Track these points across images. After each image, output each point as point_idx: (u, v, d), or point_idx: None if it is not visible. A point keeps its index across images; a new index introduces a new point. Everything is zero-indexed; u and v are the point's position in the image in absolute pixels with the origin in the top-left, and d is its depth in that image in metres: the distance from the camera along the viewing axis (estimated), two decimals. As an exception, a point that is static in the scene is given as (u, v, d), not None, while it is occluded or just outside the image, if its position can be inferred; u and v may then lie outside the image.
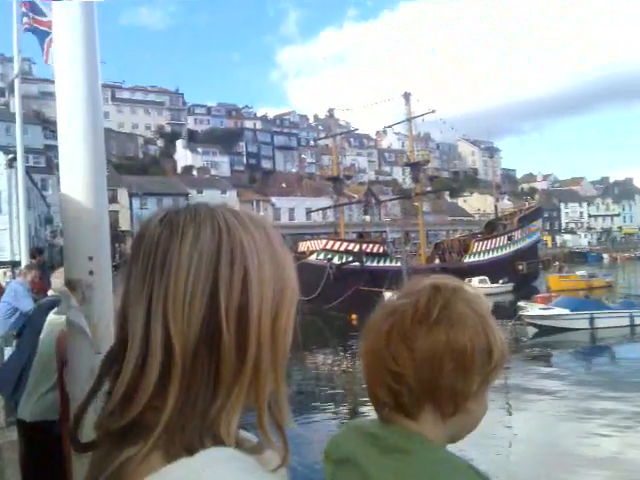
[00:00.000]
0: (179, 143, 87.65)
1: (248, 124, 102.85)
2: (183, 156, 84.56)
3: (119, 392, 0.70)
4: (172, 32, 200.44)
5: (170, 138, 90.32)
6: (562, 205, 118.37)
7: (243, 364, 0.72)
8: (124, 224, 59.18)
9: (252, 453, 0.73)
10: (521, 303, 31.34)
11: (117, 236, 55.25)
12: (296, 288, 0.82)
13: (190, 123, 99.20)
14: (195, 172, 77.47)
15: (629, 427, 13.34)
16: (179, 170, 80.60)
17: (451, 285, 0.99)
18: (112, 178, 60.85)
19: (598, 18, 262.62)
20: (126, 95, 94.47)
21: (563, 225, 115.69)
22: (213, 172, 79.98)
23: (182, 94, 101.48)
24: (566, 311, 25.95)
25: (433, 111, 51.73)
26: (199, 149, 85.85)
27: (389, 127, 65.64)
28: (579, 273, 45.98)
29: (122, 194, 60.40)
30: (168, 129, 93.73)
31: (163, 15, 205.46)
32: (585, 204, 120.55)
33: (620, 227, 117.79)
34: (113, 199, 59.41)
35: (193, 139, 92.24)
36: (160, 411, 0.69)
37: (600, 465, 11.52)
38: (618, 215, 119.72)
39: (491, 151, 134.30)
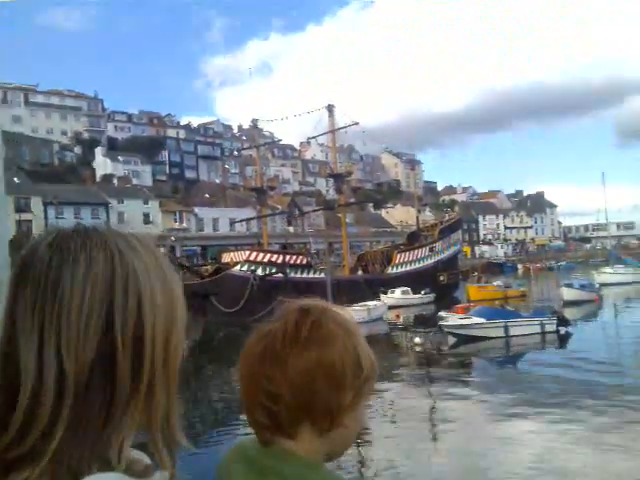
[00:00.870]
0: (98, 151, 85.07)
1: (171, 133, 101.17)
2: (102, 164, 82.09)
3: (16, 423, 0.69)
4: (93, 36, 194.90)
5: (88, 145, 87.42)
6: (480, 217, 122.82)
7: (137, 388, 0.73)
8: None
9: (142, 476, 0.72)
10: (442, 313, 32.33)
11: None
12: (184, 311, 0.82)
13: (110, 130, 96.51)
14: (115, 181, 75.38)
15: (543, 432, 14.06)
16: (98, 179, 78.22)
17: (319, 306, 1.04)
18: (24, 186, 58.35)
19: (510, 39, 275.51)
20: (41, 99, 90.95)
21: (481, 236, 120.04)
22: (134, 181, 78.05)
23: (101, 100, 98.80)
24: (482, 320, 26.97)
25: (356, 123, 52.60)
26: (119, 157, 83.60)
27: (313, 138, 66.10)
28: (496, 283, 47.84)
29: (36, 203, 57.95)
30: (86, 136, 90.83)
31: (83, 17, 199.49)
32: (501, 216, 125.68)
33: (533, 239, 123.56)
34: (26, 208, 56.97)
35: (113, 147, 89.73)
36: (50, 438, 0.69)
37: (518, 469, 12.11)
38: (531, 227, 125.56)
39: (413, 163, 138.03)
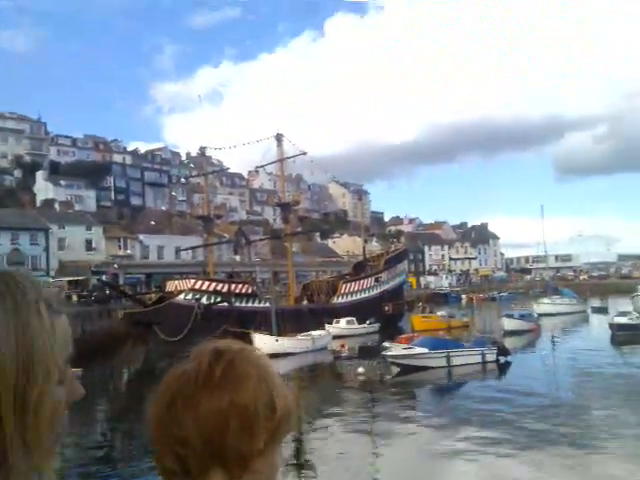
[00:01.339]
0: (39, 174, 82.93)
1: (117, 158, 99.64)
2: (44, 188, 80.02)
3: None
4: (39, 58, 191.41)
5: (29, 169, 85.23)
6: (426, 248, 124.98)
7: None
8: (-28, 260, 54.74)
9: None
10: (386, 343, 32.69)
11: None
12: (51, 359, 0.79)
13: (53, 154, 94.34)
14: (57, 206, 73.55)
15: (487, 453, 14.43)
16: (38, 203, 76.17)
17: (234, 347, 1.02)
18: (-40, 210, 56.41)
19: (453, 73, 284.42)
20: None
21: (427, 267, 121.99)
22: (77, 207, 76.32)
23: (45, 123, 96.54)
24: (425, 350, 27.41)
25: (305, 153, 53.15)
26: (62, 182, 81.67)
27: (261, 167, 66.36)
28: (439, 313, 48.67)
29: (-30, 227, 55.95)
30: (27, 159, 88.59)
31: (28, 38, 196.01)
32: (447, 247, 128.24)
33: (477, 269, 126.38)
34: (-40, 232, 54.97)
35: (56, 171, 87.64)
36: None
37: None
38: (475, 258, 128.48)
39: (360, 193, 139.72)
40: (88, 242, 65.18)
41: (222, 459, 0.94)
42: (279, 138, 52.52)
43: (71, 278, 56.25)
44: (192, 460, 0.94)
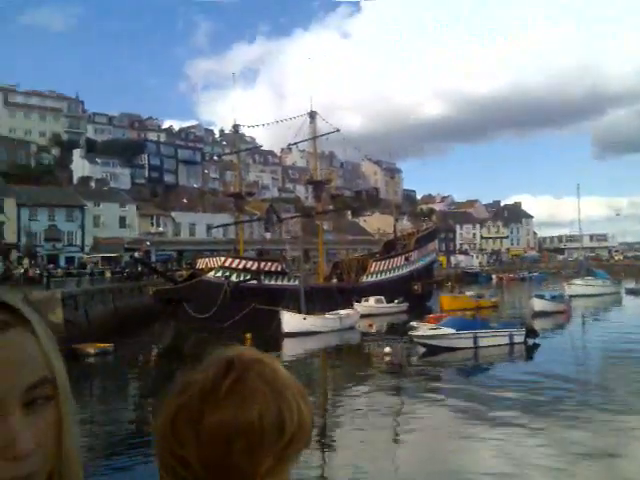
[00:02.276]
0: (76, 152, 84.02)
1: (152, 136, 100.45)
2: (80, 166, 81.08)
3: None
4: (76, 36, 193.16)
5: (67, 147, 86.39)
6: (457, 226, 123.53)
7: None
8: (10, 237, 55.85)
9: None
10: (413, 323, 32.39)
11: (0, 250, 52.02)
12: None
13: (90, 132, 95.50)
14: (93, 184, 74.53)
15: (502, 437, 14.11)
16: (75, 181, 77.27)
17: (247, 358, 0.92)
18: (-1, 187, 57.49)
19: (491, 46, 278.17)
20: (20, 99, 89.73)
21: (458, 246, 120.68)
22: (112, 184, 77.28)
23: (82, 101, 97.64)
24: (452, 331, 27.00)
25: (338, 130, 52.52)
26: (98, 160, 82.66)
27: (294, 145, 66.00)
28: (468, 293, 48.04)
29: (9, 204, 56.96)
30: (65, 137, 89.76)
31: (66, 17, 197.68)
32: (478, 226, 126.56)
33: (508, 249, 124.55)
34: (-1, 209, 56.06)
35: (92, 149, 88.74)
36: None
37: (478, 473, 12.11)
38: (507, 237, 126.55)
39: (393, 172, 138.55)
40: (122, 219, 66.02)
41: None
42: (312, 116, 52.01)
43: (105, 254, 57.08)
44: None
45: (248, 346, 0.99)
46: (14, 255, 53.43)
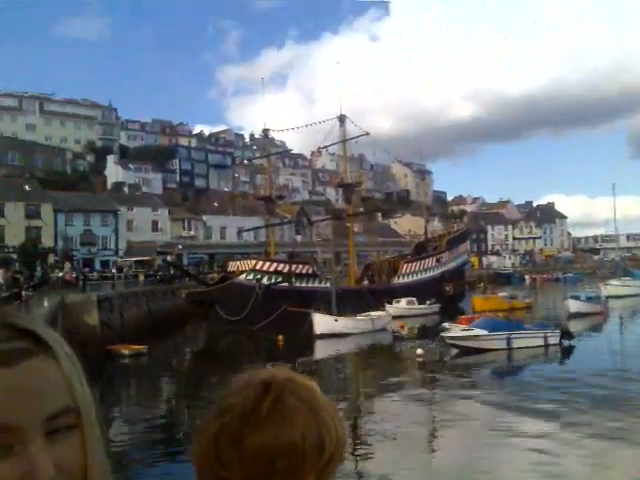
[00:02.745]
0: (110, 159, 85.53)
1: (183, 141, 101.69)
2: (114, 172, 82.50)
3: None
4: (108, 45, 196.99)
5: (101, 153, 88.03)
6: (489, 227, 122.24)
7: None
8: (47, 241, 57.09)
9: None
10: (445, 324, 32.08)
11: (38, 254, 53.18)
12: None
13: (123, 139, 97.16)
14: (126, 189, 75.73)
15: (542, 441, 13.79)
16: (109, 186, 78.64)
17: (282, 379, 0.94)
18: (36, 193, 58.80)
19: (523, 44, 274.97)
20: (56, 107, 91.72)
21: (489, 247, 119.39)
22: (145, 189, 78.42)
23: (115, 109, 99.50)
24: (484, 332, 26.64)
25: (367, 133, 52.49)
26: (131, 165, 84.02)
27: (324, 148, 66.15)
28: (501, 294, 47.40)
29: (46, 210, 58.25)
30: (99, 144, 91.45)
31: (100, 27, 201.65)
32: (510, 227, 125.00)
33: (541, 249, 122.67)
34: (36, 215, 57.31)
35: (125, 155, 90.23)
36: None
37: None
38: (540, 238, 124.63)
39: (423, 173, 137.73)
40: (154, 223, 66.92)
41: None
42: (342, 119, 52.03)
43: (138, 258, 57.91)
44: None
45: (280, 367, 0.99)
46: (51, 259, 54.62)
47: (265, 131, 55.87)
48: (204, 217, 72.38)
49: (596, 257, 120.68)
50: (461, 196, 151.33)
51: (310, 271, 44.33)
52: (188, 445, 0.86)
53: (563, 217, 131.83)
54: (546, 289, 73.47)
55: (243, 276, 41.33)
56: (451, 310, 43.25)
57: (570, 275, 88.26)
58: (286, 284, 41.41)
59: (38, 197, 58.60)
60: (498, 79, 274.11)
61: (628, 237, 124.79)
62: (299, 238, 75.07)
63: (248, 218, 70.26)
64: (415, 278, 51.32)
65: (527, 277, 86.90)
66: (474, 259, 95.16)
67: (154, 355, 28.66)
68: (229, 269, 45.36)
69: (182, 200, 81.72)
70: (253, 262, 43.46)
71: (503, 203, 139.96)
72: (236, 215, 75.43)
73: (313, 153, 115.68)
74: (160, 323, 36.07)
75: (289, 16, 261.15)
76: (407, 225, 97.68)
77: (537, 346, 26.62)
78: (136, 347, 28.09)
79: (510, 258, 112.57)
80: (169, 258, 51.78)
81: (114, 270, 52.52)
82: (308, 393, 0.93)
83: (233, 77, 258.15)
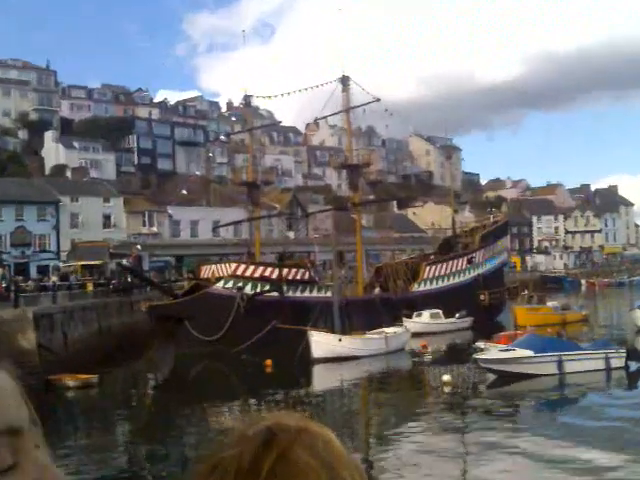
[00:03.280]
0: (48, 135, 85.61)
1: (142, 112, 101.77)
2: (53, 152, 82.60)
3: None
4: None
5: (37, 128, 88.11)
6: (534, 219, 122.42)
7: None
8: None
9: None
10: (479, 343, 32.18)
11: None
12: None
13: (64, 109, 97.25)
14: (69, 173, 75.76)
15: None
16: (47, 171, 78.60)
17: (292, 428, 0.90)
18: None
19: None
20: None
21: (535, 243, 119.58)
22: (93, 174, 78.49)
23: (55, 72, 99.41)
24: (529, 353, 26.71)
25: (378, 99, 52.43)
26: (75, 144, 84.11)
27: (322, 119, 66.24)
28: (551, 304, 47.56)
29: (-33, 201, 58.28)
30: (34, 116, 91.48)
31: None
32: (561, 217, 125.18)
33: (602, 246, 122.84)
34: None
35: (68, 130, 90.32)
36: None
37: None
38: (600, 231, 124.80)
39: (449, 150, 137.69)
40: (106, 217, 66.90)
41: None
42: (345, 82, 51.99)
43: (85, 262, 57.87)
44: None
45: (288, 411, 0.96)
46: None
47: (247, 98, 55.87)
48: (169, 209, 72.38)
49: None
50: (498, 179, 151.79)
51: (306, 277, 44.49)
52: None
53: (629, 204, 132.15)
54: (607, 297, 73.70)
55: (220, 284, 41.44)
56: (487, 325, 43.45)
57: (637, 279, 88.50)
58: (275, 294, 41.51)
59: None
60: (546, 31, 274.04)
61: None
62: (292, 235, 75.14)
63: (226, 210, 70.27)
64: (440, 284, 51.51)
65: (583, 282, 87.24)
66: (516, 259, 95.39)
67: (107, 387, 28.68)
68: (202, 275, 45.47)
69: (141, 187, 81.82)
70: (233, 266, 43.59)
71: (552, 187, 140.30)
72: (211, 206, 75.47)
73: (309, 126, 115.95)
74: (115, 345, 36.10)
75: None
76: (429, 216, 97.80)
77: (597, 370, 26.70)
78: (84, 377, 28.10)
79: (562, 257, 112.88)
80: (125, 262, 51.80)
81: (55, 278, 52.42)
82: (323, 445, 0.89)
83: (206, 28, 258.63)
